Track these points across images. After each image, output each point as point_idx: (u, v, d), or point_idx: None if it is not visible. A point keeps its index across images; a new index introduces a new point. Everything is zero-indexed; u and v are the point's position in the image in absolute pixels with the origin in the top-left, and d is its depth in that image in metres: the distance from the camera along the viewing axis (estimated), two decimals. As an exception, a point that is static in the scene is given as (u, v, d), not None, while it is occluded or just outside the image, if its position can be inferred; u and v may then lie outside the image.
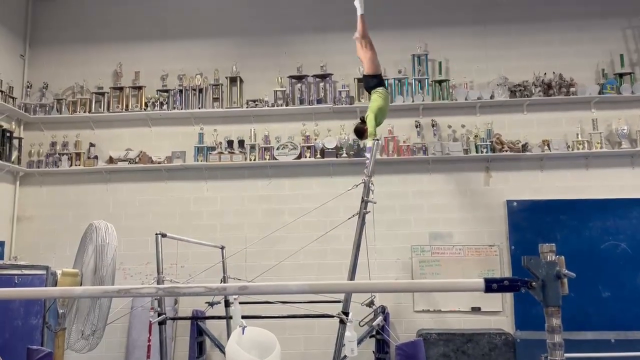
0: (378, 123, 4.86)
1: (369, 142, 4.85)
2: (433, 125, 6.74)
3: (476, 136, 6.63)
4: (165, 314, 4.16)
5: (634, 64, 6.75)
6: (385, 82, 5.26)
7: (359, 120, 5.02)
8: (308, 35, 7.15)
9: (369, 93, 5.08)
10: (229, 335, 5.15)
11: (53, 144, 7.03)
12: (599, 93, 6.57)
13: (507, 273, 6.35)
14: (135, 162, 6.85)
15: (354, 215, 4.17)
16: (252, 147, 6.78)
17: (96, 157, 6.93)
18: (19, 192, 6.97)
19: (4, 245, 6.60)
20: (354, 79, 6.86)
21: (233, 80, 7.01)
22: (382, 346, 5.10)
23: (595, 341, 5.88)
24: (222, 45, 7.23)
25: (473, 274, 6.29)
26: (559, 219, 6.39)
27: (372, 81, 4.98)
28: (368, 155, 4.64)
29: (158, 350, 4.20)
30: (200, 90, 6.97)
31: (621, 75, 6.65)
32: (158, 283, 4.06)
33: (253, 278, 5.09)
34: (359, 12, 5.17)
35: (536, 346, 5.61)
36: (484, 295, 6.14)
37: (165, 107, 6.96)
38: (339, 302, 4.03)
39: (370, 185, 4.24)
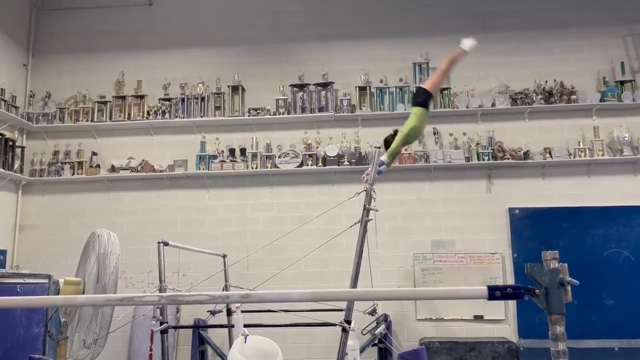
0: (407, 142, 4.68)
1: (382, 159, 4.62)
2: (435, 133, 6.75)
3: (478, 144, 6.63)
4: (167, 322, 4.14)
5: (635, 72, 6.77)
6: (431, 106, 4.79)
7: (391, 132, 4.77)
8: (309, 43, 7.18)
9: (412, 106, 4.85)
10: (231, 344, 5.14)
11: (55, 153, 7.05)
12: (600, 100, 6.58)
13: (509, 281, 6.33)
14: (137, 171, 6.87)
15: (355, 223, 4.16)
16: (254, 156, 6.80)
17: (98, 166, 6.95)
18: (21, 201, 6.98)
19: (6, 254, 6.59)
20: (355, 87, 6.88)
21: (235, 88, 7.03)
22: (384, 355, 5.06)
23: (599, 349, 5.86)
24: (224, 54, 7.26)
25: (475, 282, 6.27)
26: (561, 226, 6.38)
27: (421, 96, 4.67)
28: (380, 168, 4.51)
29: (160, 359, 4.19)
30: (202, 99, 6.99)
31: (622, 82, 6.66)
32: (160, 291, 4.06)
33: (255, 286, 5.07)
34: (465, 47, 4.86)
35: (540, 354, 5.62)
36: (487, 303, 6.12)
37: (167, 115, 6.98)
38: (341, 310, 4.01)
39: (372, 193, 4.23)
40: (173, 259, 5.45)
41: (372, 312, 4.90)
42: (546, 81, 6.71)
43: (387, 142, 4.66)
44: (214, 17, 7.32)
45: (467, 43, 4.83)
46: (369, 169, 4.40)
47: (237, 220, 6.77)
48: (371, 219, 4.15)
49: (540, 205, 6.49)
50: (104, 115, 7.09)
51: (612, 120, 6.63)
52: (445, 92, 6.78)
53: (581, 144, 6.52)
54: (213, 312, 5.37)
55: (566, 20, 6.94)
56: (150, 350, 5.50)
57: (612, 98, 6.57)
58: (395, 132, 4.63)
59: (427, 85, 4.75)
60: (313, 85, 6.95)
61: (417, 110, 4.57)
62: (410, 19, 7.11)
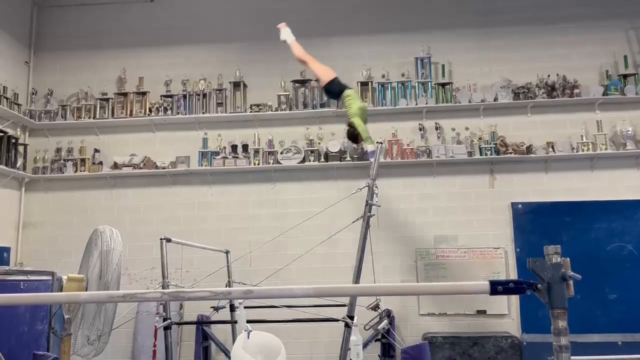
0: (364, 119, 5.02)
1: (369, 147, 4.99)
2: (437, 128, 6.74)
3: (480, 139, 6.62)
4: (170, 318, 4.16)
5: (638, 65, 6.73)
6: (345, 84, 5.37)
7: (346, 127, 5.17)
8: (311, 39, 7.11)
9: (338, 100, 5.31)
10: (234, 340, 5.16)
11: (58, 150, 7.06)
12: (603, 94, 6.55)
13: (512, 276, 6.33)
14: (140, 168, 6.87)
15: (358, 219, 4.17)
16: (256, 152, 6.80)
17: (101, 163, 6.96)
18: (25, 198, 7.00)
19: (10, 251, 6.61)
20: (357, 82, 6.86)
21: (237, 85, 7.02)
22: (387, 350, 5.08)
23: (602, 344, 5.85)
24: (225, 50, 7.25)
25: (478, 277, 6.26)
26: (564, 221, 6.36)
27: (333, 87, 5.22)
28: (372, 159, 4.66)
29: (164, 355, 4.20)
30: (204, 96, 6.99)
31: (625, 76, 6.63)
32: (163, 288, 4.07)
33: (258, 282, 5.09)
34: (289, 41, 5.59)
35: (543, 349, 5.62)
36: (490, 298, 6.09)
37: (169, 112, 6.98)
38: (344, 305, 4.02)
39: (374, 188, 4.24)
40: (176, 255, 5.46)
41: (375, 308, 4.90)
42: (549, 75, 6.68)
43: (352, 136, 5.17)
44: (215, 14, 7.31)
45: (287, 38, 5.63)
46: (371, 165, 4.44)
47: (239, 217, 6.77)
48: (374, 215, 4.15)
49: (543, 200, 6.47)
50: (106, 112, 7.09)
51: (615, 114, 6.60)
52: (448, 87, 6.77)
53: (584, 138, 6.50)
54: (216, 308, 5.39)
55: (568, 15, 6.90)
56: (154, 346, 5.52)
57: (615, 92, 6.54)
58: (349, 125, 5.10)
59: (323, 79, 5.31)
60: (315, 81, 6.93)
61: (348, 96, 5.13)
62: (412, 14, 7.09)
